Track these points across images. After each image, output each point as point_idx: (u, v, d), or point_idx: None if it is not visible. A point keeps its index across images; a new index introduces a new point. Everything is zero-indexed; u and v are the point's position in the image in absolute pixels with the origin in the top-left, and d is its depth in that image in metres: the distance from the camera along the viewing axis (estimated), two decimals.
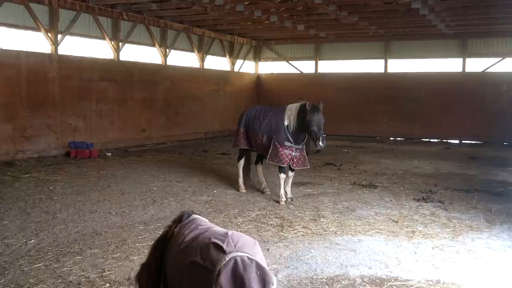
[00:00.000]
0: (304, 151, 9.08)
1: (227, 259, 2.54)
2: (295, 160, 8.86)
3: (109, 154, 15.05)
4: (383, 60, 22.83)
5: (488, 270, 5.65)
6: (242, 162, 9.96)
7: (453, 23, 18.21)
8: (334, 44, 23.64)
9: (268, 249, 6.19)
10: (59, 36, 14.73)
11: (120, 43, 16.92)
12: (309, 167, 9.39)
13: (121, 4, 16.05)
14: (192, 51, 20.85)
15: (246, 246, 2.67)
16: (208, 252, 2.64)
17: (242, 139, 9.67)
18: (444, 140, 21.27)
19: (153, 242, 3.44)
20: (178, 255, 2.89)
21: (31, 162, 12.93)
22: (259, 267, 2.56)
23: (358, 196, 9.56)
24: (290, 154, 8.76)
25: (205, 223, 3.19)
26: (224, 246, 2.62)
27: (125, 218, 7.72)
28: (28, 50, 14.24)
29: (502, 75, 20.50)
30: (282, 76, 25.06)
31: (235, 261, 2.54)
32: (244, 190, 9.79)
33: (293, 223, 7.50)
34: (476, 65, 21.34)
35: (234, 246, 2.63)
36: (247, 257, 2.58)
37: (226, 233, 2.76)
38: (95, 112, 15.91)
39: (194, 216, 3.25)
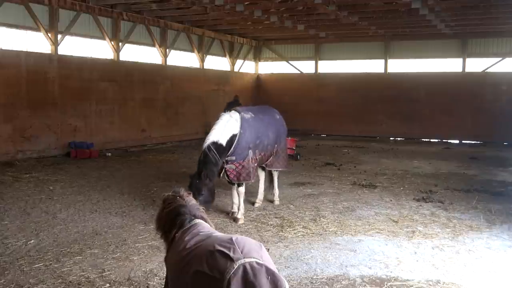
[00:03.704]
0: (246, 160, 7.57)
1: (235, 266, 2.49)
2: (228, 173, 7.60)
3: (109, 154, 15.05)
4: (383, 60, 22.84)
5: (488, 270, 5.64)
6: None
7: (453, 23, 18.22)
8: (334, 44, 23.65)
9: (268, 249, 6.19)
10: (59, 36, 14.74)
11: (120, 43, 16.92)
12: (251, 180, 7.84)
13: (121, 4, 16.05)
14: (192, 51, 20.85)
15: (252, 250, 2.62)
16: (215, 261, 2.58)
17: None
18: (444, 140, 21.28)
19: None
20: (180, 262, 2.84)
21: (31, 162, 12.93)
22: (269, 272, 2.52)
23: (358, 196, 9.55)
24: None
25: (206, 228, 3.14)
26: (231, 254, 2.56)
27: (125, 218, 7.72)
28: (28, 50, 14.24)
29: (502, 75, 20.51)
30: (282, 76, 25.07)
31: (244, 268, 2.49)
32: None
33: (293, 223, 7.50)
34: (476, 65, 21.35)
35: (241, 252, 2.57)
36: (256, 262, 2.53)
37: (231, 239, 2.69)
38: (95, 112, 15.91)
39: (196, 221, 3.19)
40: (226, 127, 7.46)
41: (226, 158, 7.49)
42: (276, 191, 8.90)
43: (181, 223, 3.17)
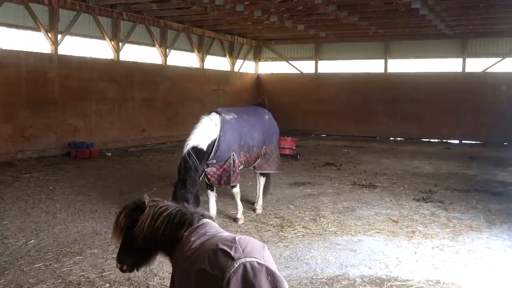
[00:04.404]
0: (227, 163, 7.37)
1: (236, 265, 2.50)
2: (208, 176, 7.47)
3: (109, 154, 15.04)
4: (383, 60, 22.84)
5: (488, 270, 5.65)
6: None
7: (453, 23, 18.22)
8: (334, 44, 23.66)
9: (268, 249, 6.18)
10: (59, 36, 14.74)
11: (120, 43, 16.92)
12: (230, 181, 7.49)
13: (121, 4, 16.06)
14: (192, 51, 20.85)
15: (254, 250, 2.63)
16: (216, 259, 2.59)
17: None
18: (444, 140, 21.28)
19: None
20: (185, 261, 2.85)
21: (31, 162, 12.93)
22: (270, 272, 2.52)
23: (358, 196, 9.56)
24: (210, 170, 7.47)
25: (214, 228, 3.13)
26: (232, 253, 2.57)
27: None
28: (28, 50, 14.24)
29: (502, 75, 20.52)
30: (282, 76, 25.07)
31: (245, 267, 2.50)
32: None
33: (293, 223, 7.50)
34: (476, 65, 21.36)
35: (243, 252, 2.58)
36: (257, 262, 2.55)
37: (234, 239, 2.71)
38: (95, 112, 15.92)
39: (204, 220, 3.18)
40: (206, 131, 7.23)
41: (207, 162, 7.29)
42: (260, 198, 8.38)
43: (190, 222, 3.13)
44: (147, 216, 3.18)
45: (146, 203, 3.28)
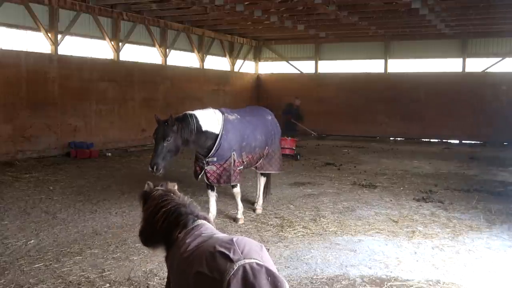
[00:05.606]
0: (227, 162, 7.30)
1: (235, 268, 2.49)
2: (208, 175, 7.39)
3: (109, 154, 15.05)
4: (383, 60, 22.84)
5: (488, 270, 5.64)
6: None
7: (453, 23, 18.22)
8: (334, 44, 23.65)
9: (268, 249, 6.19)
10: (59, 36, 14.74)
11: (120, 43, 16.92)
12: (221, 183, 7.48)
13: (121, 4, 16.05)
14: (192, 51, 20.85)
15: (253, 251, 2.62)
16: (215, 262, 2.58)
17: None
18: (444, 140, 21.28)
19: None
20: (181, 264, 2.84)
21: (31, 162, 12.93)
22: (270, 273, 2.52)
23: (358, 196, 9.56)
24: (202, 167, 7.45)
25: (209, 229, 3.13)
26: (231, 255, 2.56)
27: (125, 218, 7.72)
28: (28, 50, 14.24)
29: (502, 75, 20.51)
30: (282, 76, 25.06)
31: (244, 268, 2.50)
32: None
33: (293, 223, 7.50)
34: (476, 65, 21.36)
35: (241, 253, 2.57)
36: (256, 263, 2.54)
37: (231, 240, 2.70)
38: (95, 112, 15.92)
39: (199, 221, 3.18)
40: (210, 119, 7.27)
41: (207, 159, 7.28)
42: (261, 198, 8.40)
43: (185, 223, 3.14)
44: (148, 207, 3.37)
45: (148, 192, 3.48)
